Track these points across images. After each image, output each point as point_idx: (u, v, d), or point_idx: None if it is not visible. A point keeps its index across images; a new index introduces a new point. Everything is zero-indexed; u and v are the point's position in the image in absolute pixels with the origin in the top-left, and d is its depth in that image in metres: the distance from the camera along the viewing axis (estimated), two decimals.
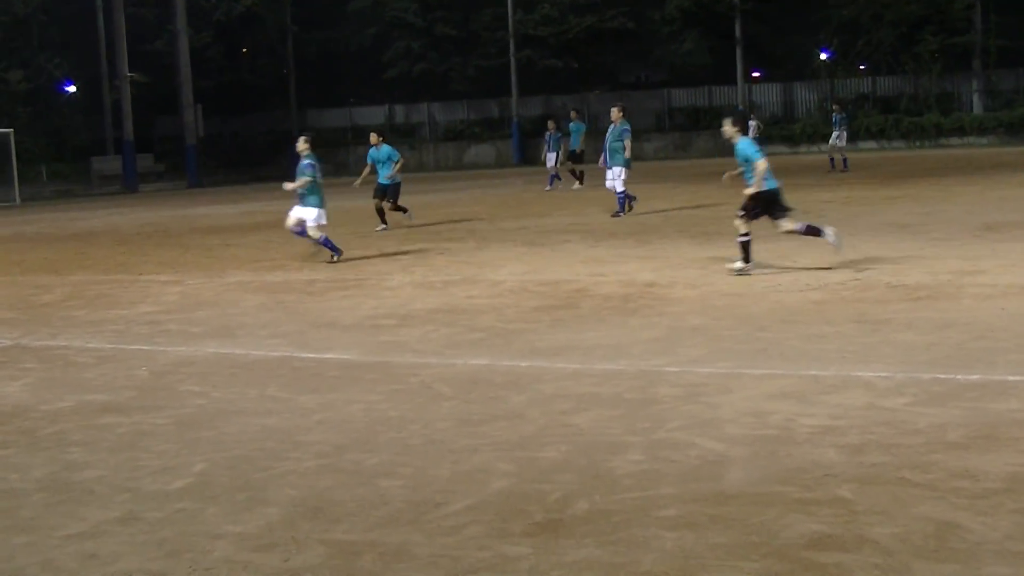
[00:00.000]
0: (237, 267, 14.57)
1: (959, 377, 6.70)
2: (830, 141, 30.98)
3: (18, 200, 36.18)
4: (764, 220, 11.46)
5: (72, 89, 51.42)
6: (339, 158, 47.65)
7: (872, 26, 45.86)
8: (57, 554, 4.56)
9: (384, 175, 18.83)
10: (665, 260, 13.03)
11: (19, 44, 48.87)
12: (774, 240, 12.31)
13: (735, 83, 48.07)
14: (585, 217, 19.46)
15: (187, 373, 8.00)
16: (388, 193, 18.93)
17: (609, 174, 19.41)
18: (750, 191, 11.30)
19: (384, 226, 18.76)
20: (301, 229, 14.61)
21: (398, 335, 9.08)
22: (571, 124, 28.95)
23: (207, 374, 7.95)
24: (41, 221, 26.98)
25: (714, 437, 5.72)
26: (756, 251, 11.66)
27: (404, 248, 15.78)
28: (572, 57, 50.69)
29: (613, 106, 20.37)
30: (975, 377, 6.68)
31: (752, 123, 44.18)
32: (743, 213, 11.25)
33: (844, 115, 31.01)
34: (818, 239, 11.49)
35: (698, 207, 20.24)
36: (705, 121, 46.08)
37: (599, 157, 20.30)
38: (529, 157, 45.19)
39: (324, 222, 14.48)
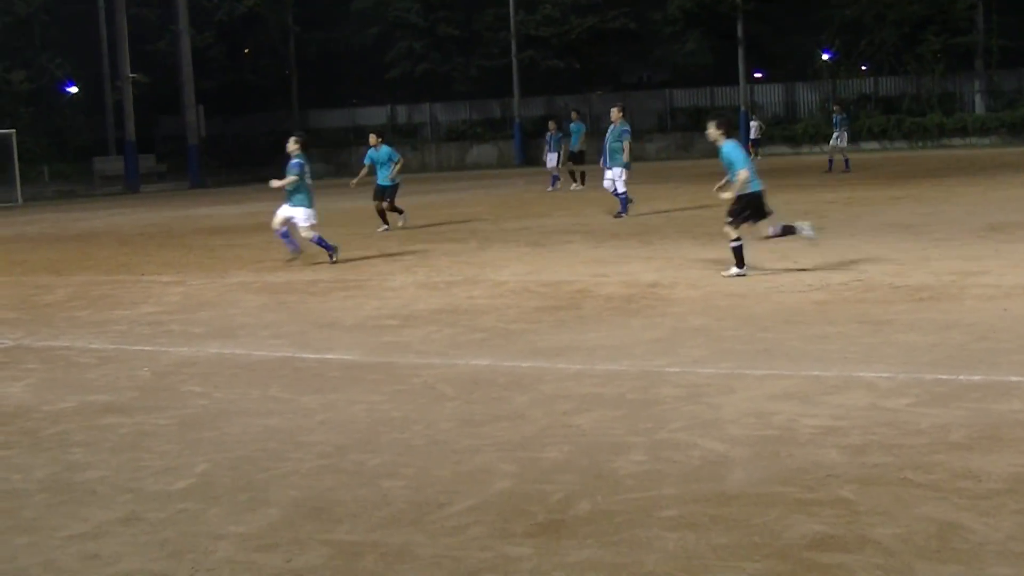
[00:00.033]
0: (239, 268, 14.57)
1: (962, 378, 6.70)
2: (831, 142, 31.02)
3: (20, 200, 36.21)
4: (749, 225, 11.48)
5: (74, 89, 51.48)
6: (341, 158, 47.71)
7: (874, 26, 45.88)
8: (59, 555, 4.56)
9: (384, 176, 18.83)
10: (667, 261, 13.03)
11: (21, 44, 48.93)
12: (775, 240, 12.29)
13: (737, 83, 48.10)
14: (587, 218, 19.46)
15: (189, 373, 8.01)
16: (387, 194, 18.93)
17: (608, 174, 19.41)
18: (726, 195, 11.36)
19: (386, 227, 18.77)
20: (284, 232, 14.51)
21: (400, 335, 9.08)
22: (571, 125, 28.97)
23: (209, 375, 7.95)
24: (43, 221, 27.00)
25: (716, 438, 5.72)
26: (758, 251, 11.65)
27: (406, 249, 15.78)
28: (574, 57, 50.74)
29: (613, 106, 20.38)
30: (978, 378, 6.67)
31: (754, 123, 44.36)
32: (731, 219, 11.28)
33: (845, 116, 31.04)
34: (795, 236, 11.55)
35: (700, 207, 20.20)
36: (707, 121, 46.08)
37: (600, 158, 20.29)
38: (531, 158, 45.20)
39: (315, 221, 14.43)
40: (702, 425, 5.96)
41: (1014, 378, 6.65)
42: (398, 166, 18.94)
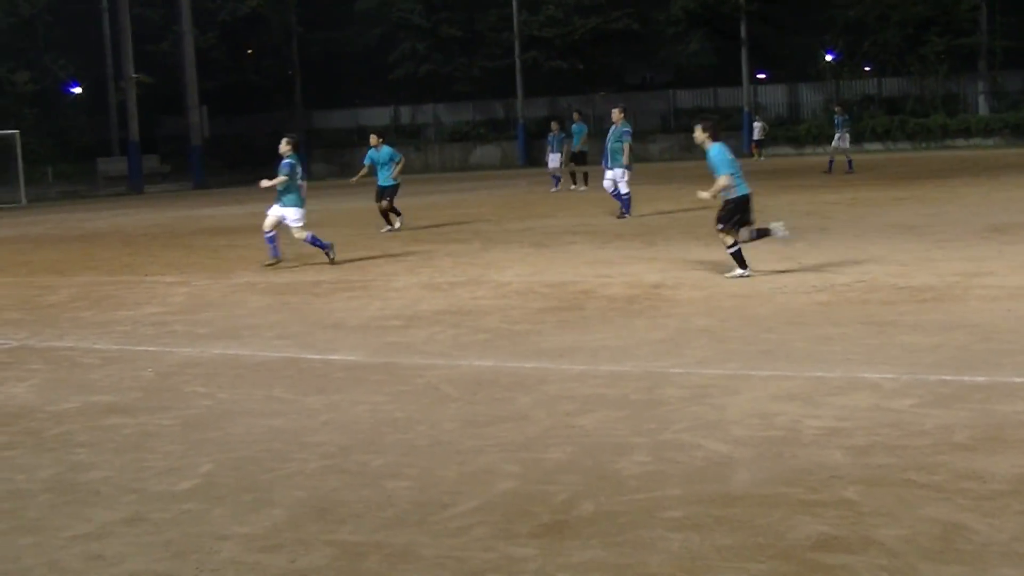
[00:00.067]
0: (243, 268, 14.58)
1: (965, 378, 6.70)
2: (832, 143, 31.03)
3: (24, 201, 36.25)
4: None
5: (77, 90, 51.48)
6: (344, 159, 47.71)
7: (878, 27, 45.85)
8: (63, 555, 4.56)
9: (385, 177, 18.83)
10: (671, 261, 13.03)
11: (25, 45, 48.92)
12: (776, 241, 12.28)
13: (740, 84, 48.08)
14: (591, 218, 19.45)
15: (193, 374, 8.01)
16: (387, 193, 18.93)
17: (608, 175, 19.39)
18: (703, 195, 11.41)
19: (389, 227, 18.78)
20: (272, 235, 14.48)
21: (404, 336, 9.08)
22: (573, 125, 28.96)
23: (213, 375, 7.96)
24: (47, 222, 27.02)
25: (720, 438, 5.72)
26: (760, 251, 11.65)
27: (410, 249, 15.79)
28: (577, 58, 50.72)
29: (614, 107, 20.37)
30: (981, 379, 6.67)
31: (757, 124, 44.30)
32: (722, 226, 11.30)
33: (846, 117, 31.06)
34: (768, 239, 11.58)
35: (704, 208, 20.11)
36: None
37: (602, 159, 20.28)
38: (535, 158, 45.19)
39: (304, 221, 14.40)
40: (706, 426, 5.96)
41: (1018, 379, 6.65)
42: (399, 166, 18.95)
